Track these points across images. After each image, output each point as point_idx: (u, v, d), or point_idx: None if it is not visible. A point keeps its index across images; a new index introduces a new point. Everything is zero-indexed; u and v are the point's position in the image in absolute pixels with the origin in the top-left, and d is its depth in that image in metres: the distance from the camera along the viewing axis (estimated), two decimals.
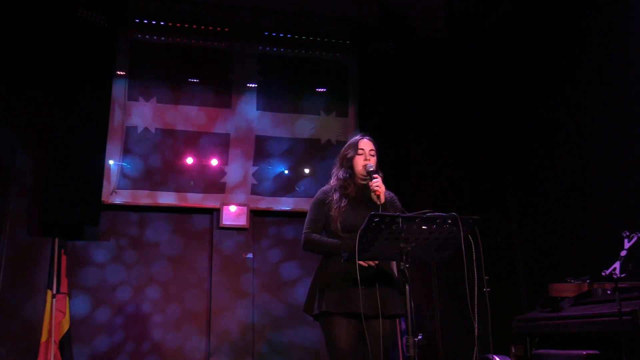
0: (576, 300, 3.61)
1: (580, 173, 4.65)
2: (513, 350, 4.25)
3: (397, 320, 3.33)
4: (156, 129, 5.13)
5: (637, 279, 3.17)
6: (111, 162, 4.94)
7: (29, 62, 4.89)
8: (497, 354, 4.05)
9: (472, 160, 5.66)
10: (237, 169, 5.25)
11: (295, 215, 5.14)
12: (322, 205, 2.97)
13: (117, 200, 4.92)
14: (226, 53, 5.45)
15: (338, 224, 2.86)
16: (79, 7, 4.76)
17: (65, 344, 4.37)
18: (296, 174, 5.37)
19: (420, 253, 2.55)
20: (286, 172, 5.35)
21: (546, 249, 5.03)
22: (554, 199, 4.98)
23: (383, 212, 2.63)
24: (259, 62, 5.49)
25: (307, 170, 5.39)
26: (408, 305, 2.45)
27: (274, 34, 5.53)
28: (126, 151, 5.03)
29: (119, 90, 5.06)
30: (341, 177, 3.00)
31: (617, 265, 2.97)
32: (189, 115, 5.22)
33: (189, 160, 5.14)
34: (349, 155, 3.00)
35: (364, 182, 2.95)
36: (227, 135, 5.28)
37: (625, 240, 3.09)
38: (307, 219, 2.99)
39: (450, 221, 2.41)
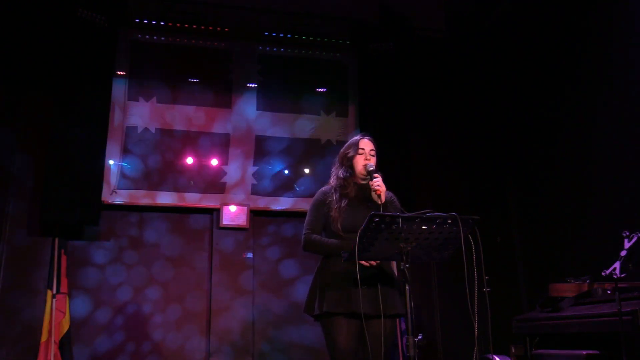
0: (576, 300, 3.61)
1: (580, 173, 4.65)
2: (513, 350, 4.25)
3: (397, 320, 3.33)
4: (156, 129, 5.13)
5: (637, 279, 3.17)
6: (111, 162, 4.94)
7: (29, 62, 4.88)
8: (497, 354, 4.05)
9: (472, 160, 5.66)
10: (237, 169, 5.25)
11: (295, 215, 5.14)
12: (322, 205, 2.97)
13: (117, 200, 4.92)
14: (226, 53, 5.45)
15: (339, 224, 2.86)
16: (79, 7, 4.76)
17: (65, 344, 4.36)
18: (296, 174, 5.37)
19: (420, 253, 2.55)
20: (286, 172, 5.35)
21: (546, 249, 5.02)
22: (554, 199, 4.98)
23: (383, 211, 2.63)
24: (259, 62, 5.48)
25: (307, 170, 5.39)
26: (408, 305, 2.45)
27: (274, 34, 5.53)
28: (126, 151, 5.03)
29: (118, 90, 5.05)
30: (341, 176, 3.00)
31: (617, 265, 2.97)
32: (188, 115, 5.22)
33: (189, 160, 5.14)
34: (349, 155, 3.01)
35: (364, 182, 2.96)
36: (227, 135, 5.28)
37: (625, 240, 3.09)
38: (306, 219, 3.00)
39: (450, 221, 2.41)
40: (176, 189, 5.08)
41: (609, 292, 3.40)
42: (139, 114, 5.11)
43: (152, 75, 5.20)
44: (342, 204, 2.91)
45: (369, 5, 5.46)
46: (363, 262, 2.68)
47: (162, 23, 5.27)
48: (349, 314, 2.75)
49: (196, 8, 5.26)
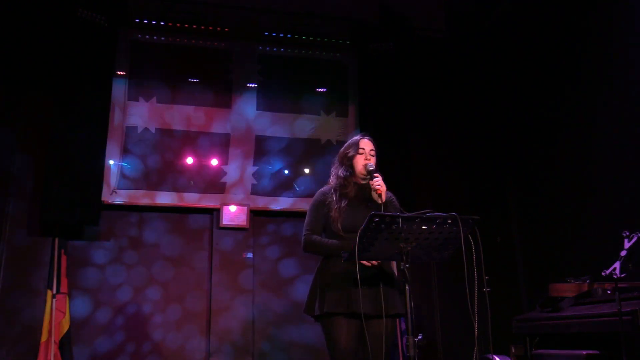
0: (576, 300, 3.61)
1: (580, 173, 4.65)
2: (513, 350, 4.25)
3: (397, 320, 3.33)
4: (156, 129, 5.13)
5: (637, 279, 3.17)
6: (111, 162, 4.94)
7: (29, 62, 4.88)
8: (497, 354, 4.05)
9: (472, 160, 5.66)
10: (237, 169, 5.25)
11: (295, 215, 5.14)
12: (321, 206, 2.97)
13: (117, 200, 4.92)
14: (226, 53, 5.45)
15: (339, 224, 2.86)
16: (79, 7, 4.76)
17: (65, 344, 4.36)
18: (296, 174, 5.37)
19: (420, 253, 2.55)
20: (286, 171, 5.35)
21: (546, 249, 5.02)
22: (554, 199, 4.98)
23: (383, 211, 2.63)
24: (259, 62, 5.48)
25: (306, 170, 5.39)
26: (408, 305, 2.45)
27: (274, 34, 5.53)
28: (126, 151, 5.03)
29: (118, 90, 5.05)
30: (341, 175, 3.00)
31: (617, 265, 2.97)
32: (188, 115, 5.22)
33: (189, 160, 5.14)
34: (349, 155, 3.01)
35: (364, 182, 2.96)
36: (227, 135, 5.28)
37: (625, 240, 3.09)
38: (306, 220, 3.00)
39: (450, 221, 2.41)
40: (176, 189, 5.08)
41: (609, 292, 3.40)
42: (139, 114, 5.11)
43: (152, 75, 5.20)
44: (342, 204, 2.91)
45: (369, 5, 5.46)
46: (364, 262, 2.69)
47: (162, 23, 5.27)
48: (349, 314, 2.75)
49: (196, 8, 5.26)
